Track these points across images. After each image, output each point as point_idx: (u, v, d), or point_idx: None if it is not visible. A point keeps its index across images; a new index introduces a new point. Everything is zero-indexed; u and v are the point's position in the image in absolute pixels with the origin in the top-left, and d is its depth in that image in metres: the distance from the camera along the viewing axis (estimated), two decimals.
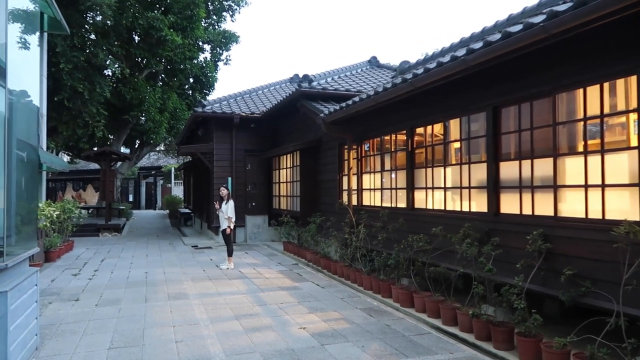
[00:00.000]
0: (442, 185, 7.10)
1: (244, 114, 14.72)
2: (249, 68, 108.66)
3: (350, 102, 8.82)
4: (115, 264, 10.94)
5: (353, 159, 9.90)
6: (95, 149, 21.54)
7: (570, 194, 4.97)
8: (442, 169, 7.14)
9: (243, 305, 7.01)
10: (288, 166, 13.68)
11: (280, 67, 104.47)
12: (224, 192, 10.59)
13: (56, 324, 6.03)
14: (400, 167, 8.34)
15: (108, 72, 20.53)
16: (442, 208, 7.08)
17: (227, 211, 10.40)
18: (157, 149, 34.33)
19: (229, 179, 14.87)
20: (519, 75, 5.51)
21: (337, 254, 9.75)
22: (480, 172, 6.28)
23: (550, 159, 5.10)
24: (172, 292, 7.93)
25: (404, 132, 8.10)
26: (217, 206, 10.73)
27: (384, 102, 7.64)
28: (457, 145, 6.99)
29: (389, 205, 8.63)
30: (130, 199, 38.79)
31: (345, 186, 10.28)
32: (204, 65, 24.75)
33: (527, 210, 5.47)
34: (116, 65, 18.67)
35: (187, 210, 23.96)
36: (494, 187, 5.93)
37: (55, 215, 10.40)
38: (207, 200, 16.05)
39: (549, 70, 5.11)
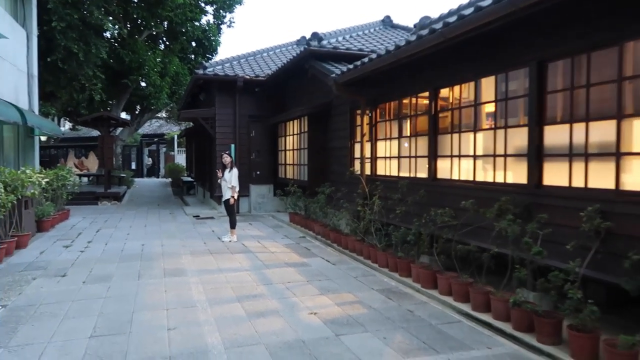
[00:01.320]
0: (472, 153, 6.27)
1: (248, 77, 13.77)
2: (254, 32, 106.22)
3: (366, 59, 7.91)
4: (111, 235, 10.28)
5: (366, 124, 9.04)
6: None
7: (639, 163, 4.15)
8: (471, 134, 6.30)
9: (246, 284, 6.31)
10: (295, 133, 12.82)
11: (286, 31, 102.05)
12: (226, 159, 9.77)
13: (36, 304, 5.37)
14: (420, 133, 7.49)
15: (107, 34, 19.46)
16: (471, 179, 6.26)
17: (230, 180, 9.62)
18: (159, 115, 33.47)
19: (232, 145, 14.06)
20: (576, 22, 4.60)
21: (348, 227, 9.02)
22: (519, 138, 5.44)
23: (613, 122, 4.25)
24: (169, 267, 7.24)
25: (427, 93, 7.22)
26: (219, 174, 9.94)
27: (405, 59, 6.72)
28: (489, 107, 6.13)
29: (407, 175, 7.83)
30: (133, 166, 38.09)
31: (357, 154, 9.45)
32: (207, 28, 23.55)
33: (578, 182, 4.66)
34: (115, 27, 17.61)
35: (189, 179, 23.24)
36: (536, 155, 5.10)
37: (44, 183, 9.66)
38: (210, 168, 15.30)
39: (616, 13, 4.20)
